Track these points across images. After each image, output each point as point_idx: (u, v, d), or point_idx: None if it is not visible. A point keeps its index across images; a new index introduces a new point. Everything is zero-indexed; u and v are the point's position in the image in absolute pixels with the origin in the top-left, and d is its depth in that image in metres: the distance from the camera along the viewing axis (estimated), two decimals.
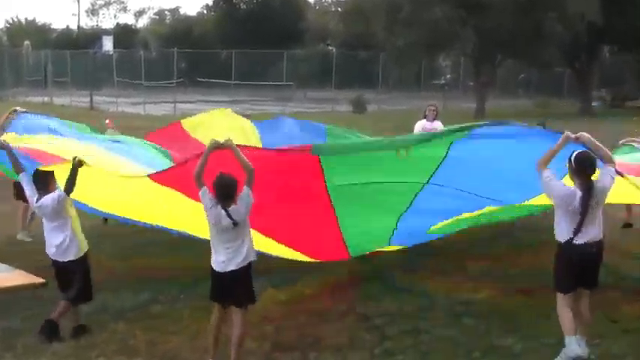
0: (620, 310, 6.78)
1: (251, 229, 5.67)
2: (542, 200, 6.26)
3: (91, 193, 6.69)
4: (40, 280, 6.79)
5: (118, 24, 70.29)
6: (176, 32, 59.47)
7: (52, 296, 6.52)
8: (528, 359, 5.87)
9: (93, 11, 75.89)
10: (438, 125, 11.41)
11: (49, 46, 52.15)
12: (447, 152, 6.77)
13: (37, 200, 6.17)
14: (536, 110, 31.53)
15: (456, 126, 6.94)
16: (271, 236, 6.98)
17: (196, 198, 5.58)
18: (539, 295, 6.81)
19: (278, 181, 6.58)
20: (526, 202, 6.94)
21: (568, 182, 5.72)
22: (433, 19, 30.66)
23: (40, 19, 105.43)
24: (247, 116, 13.39)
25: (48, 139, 8.04)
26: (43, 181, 6.23)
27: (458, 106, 35.17)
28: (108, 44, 41.63)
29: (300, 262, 7.39)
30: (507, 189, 6.82)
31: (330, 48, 57.73)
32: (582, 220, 5.47)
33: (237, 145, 5.74)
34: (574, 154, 5.58)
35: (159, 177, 6.70)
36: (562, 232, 5.58)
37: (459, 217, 7.17)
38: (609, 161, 5.64)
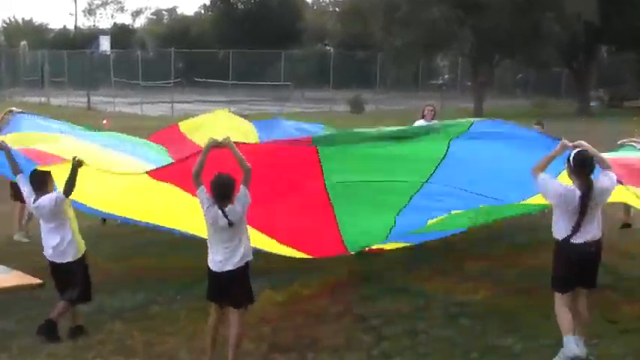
0: (618, 310, 6.77)
1: (248, 226, 5.65)
2: (540, 199, 6.25)
3: (89, 192, 6.67)
4: (38, 280, 6.77)
5: (115, 24, 70.32)
6: (173, 32, 59.41)
7: (49, 297, 6.51)
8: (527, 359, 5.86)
9: (90, 11, 75.97)
10: None
11: (46, 46, 52.10)
12: (447, 151, 6.76)
13: (35, 201, 6.15)
14: (534, 110, 31.53)
15: (454, 121, 6.90)
16: (268, 233, 6.98)
17: (195, 193, 5.57)
18: (538, 295, 6.79)
19: (276, 176, 6.58)
20: (524, 202, 6.93)
21: (564, 180, 5.71)
22: (431, 19, 30.65)
23: (37, 19, 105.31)
24: (245, 116, 13.36)
25: (46, 137, 8.03)
26: (41, 181, 6.21)
27: (456, 106, 35.14)
28: (105, 44, 41.54)
29: (298, 262, 7.39)
30: (507, 188, 6.81)
31: (328, 48, 57.69)
32: (581, 220, 5.46)
33: (235, 143, 5.73)
34: (572, 154, 5.58)
35: (157, 173, 6.68)
36: (560, 230, 5.57)
37: (457, 212, 7.15)
38: (607, 168, 5.64)
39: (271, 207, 6.71)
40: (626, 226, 9.96)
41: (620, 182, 5.81)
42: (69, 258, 6.17)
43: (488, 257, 8.58)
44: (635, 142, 9.20)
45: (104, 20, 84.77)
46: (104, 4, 76.55)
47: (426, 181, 7.02)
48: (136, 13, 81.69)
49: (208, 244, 5.55)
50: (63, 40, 60.07)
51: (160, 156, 8.78)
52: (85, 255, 6.30)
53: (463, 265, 8.31)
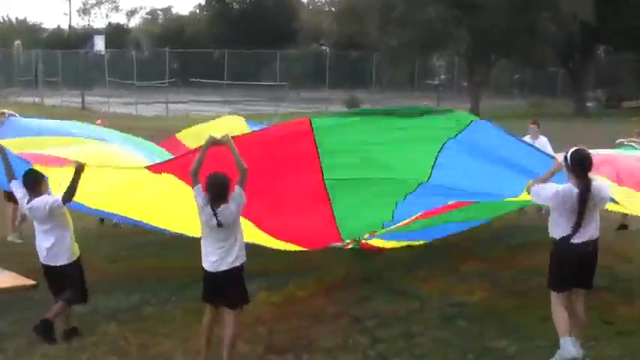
0: (615, 312, 6.75)
1: (245, 219, 5.62)
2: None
3: (89, 192, 6.63)
4: (31, 282, 6.74)
5: (109, 23, 70.18)
6: (168, 32, 59.32)
7: (43, 298, 6.47)
8: None
9: (84, 11, 75.72)
10: None
11: (40, 46, 51.93)
12: (439, 152, 6.69)
13: (28, 202, 6.10)
14: (531, 110, 31.56)
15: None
16: (263, 227, 7.00)
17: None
18: (534, 296, 6.79)
19: (272, 164, 6.54)
20: (517, 198, 6.96)
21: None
22: (426, 19, 30.65)
23: (31, 19, 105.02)
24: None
25: (43, 141, 8.00)
26: (34, 182, 6.15)
27: (452, 106, 35.14)
28: (99, 44, 41.55)
29: (294, 263, 7.38)
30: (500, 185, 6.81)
31: (324, 48, 57.67)
32: (581, 219, 5.44)
33: (234, 137, 5.72)
34: (570, 152, 5.57)
35: (157, 168, 6.66)
36: (559, 230, 5.54)
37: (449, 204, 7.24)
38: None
39: (267, 198, 6.69)
40: (623, 227, 9.95)
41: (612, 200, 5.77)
42: (63, 261, 6.12)
43: (484, 259, 8.57)
44: (635, 142, 9.20)
45: (99, 20, 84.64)
46: (99, 4, 76.37)
47: (422, 183, 7.00)
48: (131, 13, 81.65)
49: (202, 244, 5.52)
50: (57, 39, 59.89)
51: (161, 153, 8.77)
52: (79, 258, 6.25)
53: (459, 266, 8.30)
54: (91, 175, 6.24)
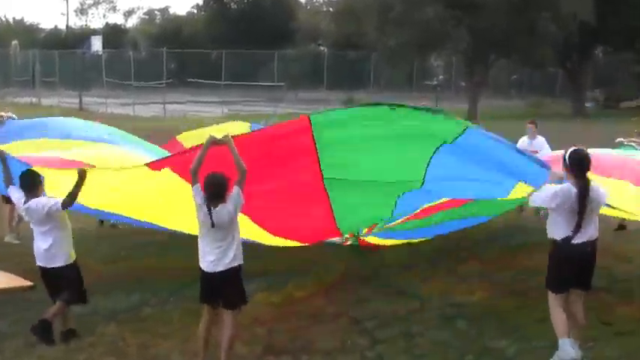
0: (613, 312, 6.75)
1: (245, 216, 5.59)
2: (522, 191, 6.27)
3: (89, 193, 6.62)
4: (28, 283, 6.73)
5: (107, 24, 70.11)
6: (166, 32, 59.26)
7: (40, 299, 6.46)
8: None
9: (82, 11, 75.62)
10: None
11: (38, 46, 51.86)
12: (431, 158, 6.69)
13: (25, 203, 6.07)
14: (530, 110, 31.54)
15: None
16: (260, 224, 7.00)
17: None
18: (533, 297, 6.77)
19: (271, 162, 6.53)
20: (509, 196, 6.99)
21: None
22: (424, 20, 30.64)
23: (29, 19, 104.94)
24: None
25: (42, 144, 8.02)
26: (31, 183, 6.11)
27: (450, 106, 35.14)
28: (97, 44, 41.40)
29: (293, 264, 7.37)
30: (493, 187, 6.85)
31: (322, 48, 57.68)
32: (581, 219, 5.43)
33: (234, 137, 5.72)
34: (569, 152, 5.56)
35: (157, 165, 6.65)
36: (560, 231, 5.53)
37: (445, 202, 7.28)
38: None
39: (267, 195, 6.70)
40: (621, 228, 9.94)
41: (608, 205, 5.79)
42: (60, 262, 6.09)
43: (483, 259, 8.56)
44: (635, 142, 9.20)
45: (96, 20, 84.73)
46: (96, 4, 76.26)
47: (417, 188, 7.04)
48: (128, 13, 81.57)
49: (200, 244, 5.51)
50: (54, 39, 59.85)
51: (161, 153, 8.77)
52: (75, 260, 6.23)
53: (459, 266, 8.30)
54: (91, 177, 6.23)
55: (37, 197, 6.05)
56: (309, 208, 7.13)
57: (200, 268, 5.51)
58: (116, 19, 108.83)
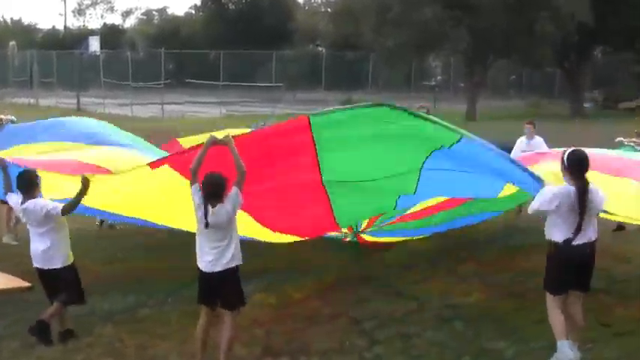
0: (612, 313, 6.74)
1: (245, 213, 5.61)
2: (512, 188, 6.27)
3: (90, 193, 6.62)
4: (26, 284, 6.71)
5: (105, 24, 70.00)
6: (164, 32, 59.21)
7: (39, 300, 6.45)
8: None
9: (79, 11, 75.52)
10: None
11: (35, 47, 51.80)
12: (423, 164, 6.74)
13: (22, 203, 6.05)
14: (529, 110, 31.51)
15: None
16: (260, 220, 7.04)
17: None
18: (532, 298, 6.77)
19: (270, 160, 6.54)
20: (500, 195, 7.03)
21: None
22: (423, 20, 30.62)
23: (26, 19, 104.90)
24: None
25: (40, 148, 8.02)
26: (29, 184, 6.08)
27: (448, 107, 35.18)
28: (95, 44, 41.45)
29: (291, 264, 7.36)
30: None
31: (320, 49, 57.65)
32: (582, 220, 5.41)
33: (235, 137, 5.74)
34: (567, 153, 5.56)
35: (157, 164, 6.64)
36: (559, 232, 5.50)
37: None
38: None
39: (267, 193, 6.73)
40: (620, 228, 9.92)
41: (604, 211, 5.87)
42: (58, 264, 6.08)
43: (481, 260, 8.55)
44: (635, 142, 9.19)
45: (94, 20, 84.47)
46: (94, 4, 76.18)
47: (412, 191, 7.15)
48: (126, 14, 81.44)
49: (197, 244, 5.51)
50: (52, 40, 59.79)
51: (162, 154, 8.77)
52: (73, 262, 6.21)
53: (456, 268, 8.29)
54: (94, 181, 6.26)
55: (34, 198, 6.03)
56: (308, 205, 7.18)
57: (198, 269, 5.50)
58: (114, 19, 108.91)
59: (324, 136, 6.31)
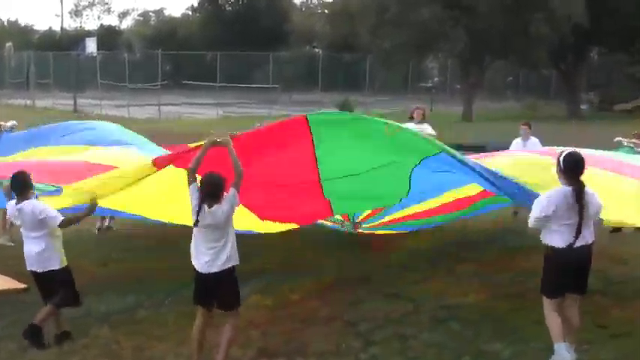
0: (608, 315, 6.73)
1: (245, 207, 5.67)
2: None
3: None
4: (22, 285, 6.69)
5: (101, 25, 69.91)
6: (160, 34, 59.24)
7: (35, 301, 6.41)
8: None
9: (76, 12, 75.42)
10: (427, 127, 11.44)
11: (32, 48, 51.77)
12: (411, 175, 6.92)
13: (17, 203, 6.02)
14: (526, 112, 31.52)
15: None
16: (256, 212, 7.15)
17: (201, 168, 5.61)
18: (530, 299, 6.75)
19: (269, 155, 6.63)
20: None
21: None
22: (420, 21, 30.62)
23: (23, 20, 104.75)
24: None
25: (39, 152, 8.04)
26: (23, 185, 6.06)
27: (445, 108, 35.24)
28: (91, 46, 41.38)
29: (288, 265, 7.35)
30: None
31: (317, 50, 57.67)
32: (581, 223, 5.40)
33: (234, 137, 5.79)
34: (563, 155, 5.55)
35: (161, 162, 6.66)
36: (559, 235, 5.47)
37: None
38: None
39: (266, 189, 6.86)
40: (616, 230, 9.92)
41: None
42: (55, 265, 6.04)
43: (479, 261, 8.55)
44: (635, 142, 9.19)
45: (90, 22, 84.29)
46: (90, 6, 76.10)
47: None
48: (123, 15, 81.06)
49: (193, 244, 5.50)
50: (49, 41, 59.70)
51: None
52: (68, 264, 6.18)
53: (454, 268, 8.29)
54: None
55: (28, 199, 6.01)
56: (304, 195, 7.26)
57: (194, 269, 5.50)
58: (111, 20, 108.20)
59: (322, 130, 6.47)
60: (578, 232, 5.41)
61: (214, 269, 5.41)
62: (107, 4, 79.08)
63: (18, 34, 65.02)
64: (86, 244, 8.89)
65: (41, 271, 6.05)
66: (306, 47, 61.23)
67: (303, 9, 66.99)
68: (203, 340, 5.59)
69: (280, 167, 6.86)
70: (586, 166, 5.56)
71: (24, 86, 43.01)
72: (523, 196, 6.30)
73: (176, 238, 7.02)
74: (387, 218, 8.61)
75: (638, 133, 10.44)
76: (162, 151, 8.55)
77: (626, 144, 10.13)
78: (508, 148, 10.70)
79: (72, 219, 6.18)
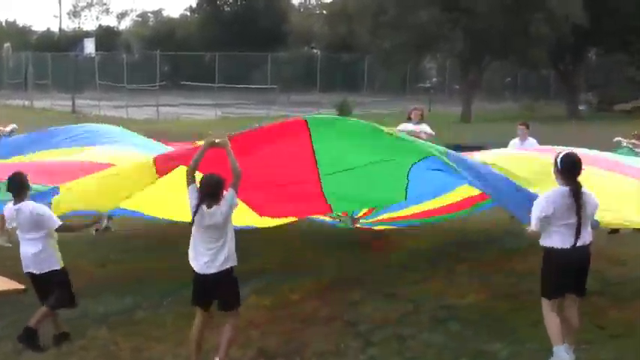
0: (607, 316, 6.73)
1: (244, 204, 5.68)
2: None
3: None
4: (20, 286, 6.68)
5: (100, 26, 69.88)
6: (159, 34, 59.21)
7: (32, 302, 6.40)
8: None
9: (75, 13, 75.42)
10: (425, 127, 11.45)
11: (30, 49, 51.74)
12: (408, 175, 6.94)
13: (15, 204, 6.01)
14: (524, 113, 31.53)
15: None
16: (256, 209, 7.25)
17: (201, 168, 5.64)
18: (528, 300, 6.76)
19: (268, 155, 6.64)
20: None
21: None
22: (419, 24, 30.62)
23: (21, 21, 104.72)
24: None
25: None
26: (20, 186, 6.05)
27: (444, 109, 35.25)
28: (90, 46, 41.21)
29: (287, 266, 7.34)
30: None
31: (315, 51, 57.68)
32: (580, 223, 5.40)
33: (232, 137, 5.84)
34: (560, 156, 5.55)
35: (162, 163, 6.62)
36: (558, 235, 5.47)
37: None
38: None
39: (265, 187, 6.91)
40: (614, 231, 9.91)
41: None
42: (50, 267, 6.03)
43: (477, 262, 8.55)
44: (634, 143, 9.18)
45: (89, 22, 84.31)
46: (89, 6, 76.12)
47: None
48: (121, 15, 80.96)
49: (192, 244, 5.50)
50: (47, 42, 59.67)
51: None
52: (64, 266, 6.17)
53: (453, 268, 8.29)
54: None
55: (24, 201, 5.99)
56: (303, 192, 7.30)
57: (193, 270, 5.50)
58: (109, 21, 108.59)
59: (321, 130, 6.53)
60: (578, 232, 5.41)
61: (212, 270, 5.41)
62: (105, 4, 79.13)
63: (16, 35, 64.97)
64: (84, 245, 8.88)
65: (38, 272, 6.04)
66: (305, 48, 61.23)
67: (302, 10, 67.02)
68: (201, 341, 5.59)
69: (279, 166, 6.86)
70: (584, 166, 5.56)
71: (22, 87, 42.99)
72: (511, 196, 6.23)
73: (175, 238, 7.01)
74: (386, 215, 8.64)
75: (638, 134, 10.44)
76: (162, 148, 8.57)
77: (625, 144, 10.14)
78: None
79: (69, 227, 6.20)
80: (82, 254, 8.36)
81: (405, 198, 7.55)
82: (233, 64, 44.43)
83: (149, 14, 75.73)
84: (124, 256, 8.84)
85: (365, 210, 8.71)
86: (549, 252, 5.56)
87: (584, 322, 6.00)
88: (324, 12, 57.53)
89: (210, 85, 38.81)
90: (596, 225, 5.80)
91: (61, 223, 6.00)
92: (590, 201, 5.51)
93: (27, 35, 69.33)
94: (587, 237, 5.52)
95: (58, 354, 5.95)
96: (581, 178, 5.50)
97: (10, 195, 6.15)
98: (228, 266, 5.45)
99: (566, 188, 5.43)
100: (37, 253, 5.98)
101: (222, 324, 5.58)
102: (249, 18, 55.69)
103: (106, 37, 58.45)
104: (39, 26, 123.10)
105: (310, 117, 6.60)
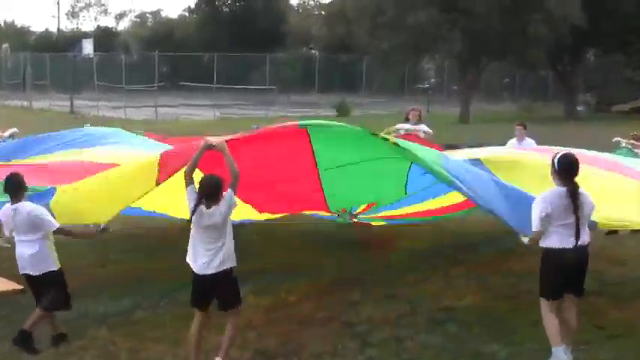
0: (606, 316, 6.73)
1: (245, 203, 5.71)
2: None
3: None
4: (18, 286, 6.66)
5: (98, 26, 69.92)
6: (157, 35, 59.17)
7: (30, 303, 6.38)
8: None
9: (73, 14, 75.49)
10: (423, 127, 11.46)
11: (28, 49, 51.68)
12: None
13: (12, 204, 6.00)
14: (522, 114, 31.56)
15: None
16: (256, 207, 7.38)
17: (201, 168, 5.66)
18: (526, 300, 6.76)
19: (268, 157, 6.71)
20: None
21: None
22: (417, 24, 30.63)
23: (19, 22, 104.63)
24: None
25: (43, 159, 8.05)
26: (17, 186, 6.04)
27: (442, 110, 35.26)
28: (88, 47, 41.22)
29: (285, 266, 7.33)
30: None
31: (313, 51, 57.69)
32: (578, 223, 5.40)
33: (229, 140, 5.86)
34: (558, 157, 5.56)
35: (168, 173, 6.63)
36: (557, 236, 5.47)
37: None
38: None
39: (265, 187, 7.00)
40: (613, 232, 9.91)
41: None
42: (47, 268, 6.00)
43: (475, 262, 8.54)
44: (634, 144, 9.18)
45: (87, 23, 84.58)
46: (87, 7, 76.17)
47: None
48: (120, 16, 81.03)
49: (191, 245, 5.51)
50: (45, 42, 59.68)
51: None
52: (61, 267, 6.16)
53: (450, 270, 8.27)
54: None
55: (21, 202, 5.98)
56: (302, 190, 7.36)
57: (192, 271, 5.50)
58: (107, 22, 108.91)
59: (319, 136, 6.58)
60: (577, 232, 5.41)
61: (211, 270, 5.41)
62: (104, 5, 79.25)
63: (14, 36, 64.92)
64: (84, 245, 8.85)
65: (35, 274, 6.01)
66: (303, 49, 61.24)
67: (300, 10, 67.00)
68: (200, 342, 5.59)
69: (279, 166, 6.88)
70: (581, 166, 5.57)
71: (20, 87, 42.95)
72: (508, 208, 6.20)
73: (175, 238, 7.00)
74: (384, 213, 8.65)
75: (636, 134, 10.44)
76: (162, 148, 8.57)
77: (624, 144, 10.14)
78: None
79: (68, 231, 6.18)
80: (81, 254, 8.35)
81: (405, 193, 7.54)
82: (232, 64, 44.44)
83: (147, 15, 75.70)
84: (124, 256, 8.83)
85: (364, 206, 8.71)
86: (548, 252, 5.55)
87: (583, 322, 6.01)
88: (323, 13, 57.50)
89: (208, 85, 38.80)
90: (593, 226, 5.80)
91: (58, 225, 5.98)
92: (587, 201, 5.52)
93: (25, 36, 69.30)
94: (585, 237, 5.52)
95: (57, 354, 5.95)
96: (580, 178, 5.51)
97: (7, 196, 6.13)
98: (226, 267, 5.45)
99: (563, 189, 5.44)
100: (33, 255, 5.95)
101: (221, 324, 5.57)
102: (247, 19, 55.68)
103: (104, 37, 58.47)
104: (37, 27, 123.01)
105: (307, 123, 6.60)
